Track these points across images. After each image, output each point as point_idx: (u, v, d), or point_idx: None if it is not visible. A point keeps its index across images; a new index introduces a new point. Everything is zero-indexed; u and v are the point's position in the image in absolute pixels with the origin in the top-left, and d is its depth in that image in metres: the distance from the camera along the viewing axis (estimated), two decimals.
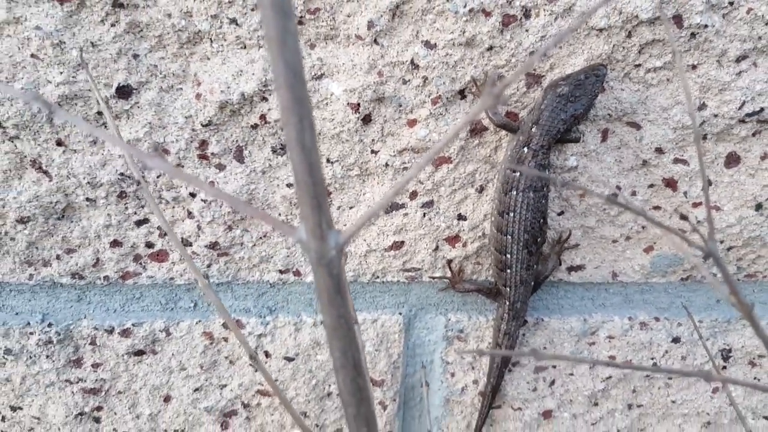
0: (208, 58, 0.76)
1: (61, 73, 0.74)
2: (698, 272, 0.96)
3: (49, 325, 0.89)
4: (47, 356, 0.90)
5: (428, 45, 0.76)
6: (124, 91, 0.76)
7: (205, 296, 0.75)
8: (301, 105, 0.38)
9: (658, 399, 1.03)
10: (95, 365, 0.92)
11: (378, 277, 0.92)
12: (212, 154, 0.81)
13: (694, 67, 0.81)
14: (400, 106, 0.80)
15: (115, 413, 0.96)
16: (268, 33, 0.33)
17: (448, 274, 0.92)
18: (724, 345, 0.99)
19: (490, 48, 0.77)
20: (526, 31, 0.77)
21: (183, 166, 0.81)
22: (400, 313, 0.95)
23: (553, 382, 1.00)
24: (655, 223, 0.47)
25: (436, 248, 0.91)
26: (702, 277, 0.96)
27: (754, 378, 1.02)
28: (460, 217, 0.89)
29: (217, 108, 0.77)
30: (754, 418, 1.06)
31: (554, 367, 0.98)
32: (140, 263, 0.88)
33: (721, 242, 0.92)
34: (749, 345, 1.00)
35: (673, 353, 0.98)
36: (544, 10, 0.76)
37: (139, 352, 0.92)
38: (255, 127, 0.80)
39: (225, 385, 0.95)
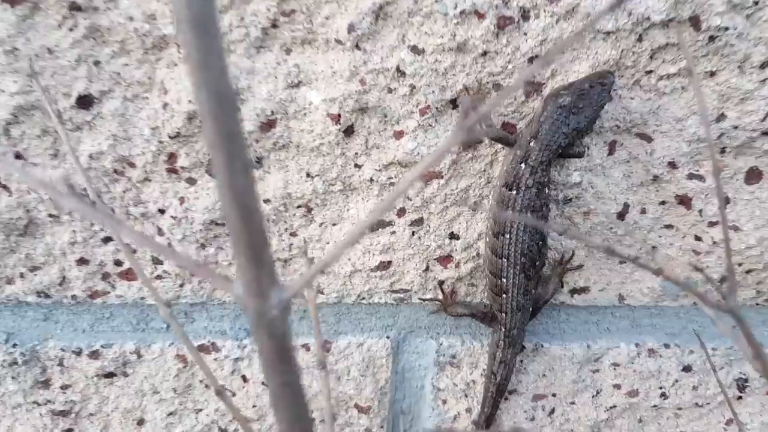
0: (175, 65, 0.70)
1: (16, 82, 0.68)
2: (698, 310, 0.88)
3: (14, 345, 0.84)
4: (12, 377, 0.85)
5: (415, 50, 0.69)
6: (84, 101, 0.70)
7: (172, 322, 0.69)
8: (231, 140, 0.31)
9: (667, 430, 0.95)
10: (64, 387, 0.87)
11: (364, 298, 0.86)
12: (182, 167, 0.75)
13: (712, 74, 0.73)
14: (386, 116, 0.73)
15: None
16: (187, 54, 0.27)
17: (440, 296, 0.85)
18: (740, 374, 0.91)
19: (484, 53, 0.70)
20: (525, 34, 0.69)
21: (150, 180, 0.75)
22: (388, 337, 0.88)
23: (552, 411, 0.93)
24: (671, 278, 0.40)
25: (427, 269, 0.84)
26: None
27: None
28: (453, 236, 0.82)
29: (185, 118, 0.71)
30: None
31: (554, 395, 0.91)
32: (109, 282, 0.82)
33: (740, 265, 0.84)
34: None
35: (683, 383, 0.91)
36: (545, 11, 0.68)
37: (110, 374, 0.87)
38: None
39: (200, 410, 0.90)
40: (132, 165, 0.74)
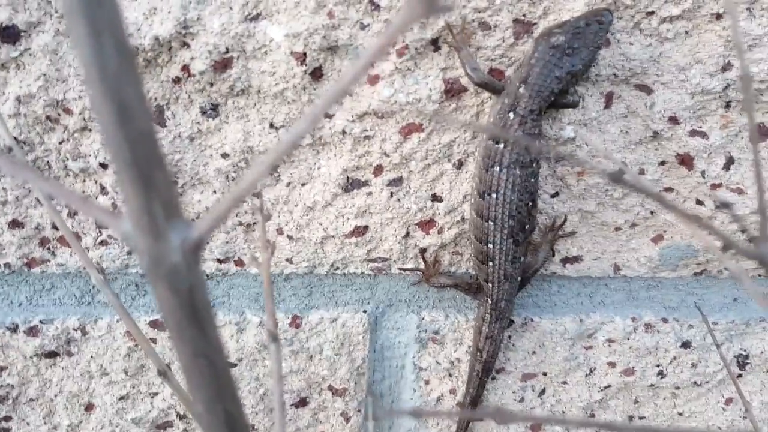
0: None
1: None
2: (698, 282, 0.82)
3: None
4: None
5: None
6: (9, 34, 0.61)
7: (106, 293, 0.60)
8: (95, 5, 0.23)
9: (663, 410, 0.89)
10: (0, 368, 0.78)
11: (338, 268, 0.78)
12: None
13: (717, 16, 0.66)
14: (358, 57, 0.65)
15: (28, 424, 0.81)
16: None
17: (422, 266, 0.78)
18: (740, 350, 0.85)
19: None
20: None
21: (90, 130, 0.66)
22: (365, 311, 0.80)
23: (543, 392, 0.86)
24: (688, 218, 0.33)
25: (407, 235, 0.76)
26: (710, 282, 0.81)
27: None
28: (435, 198, 0.74)
29: None
30: None
31: (545, 374, 0.84)
32: (48, 248, 0.73)
33: (743, 231, 0.78)
34: None
35: (681, 360, 0.84)
36: None
37: (51, 354, 0.77)
38: (177, 81, 0.64)
39: (156, 393, 0.81)
40: (68, 111, 0.64)
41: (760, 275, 0.83)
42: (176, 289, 0.26)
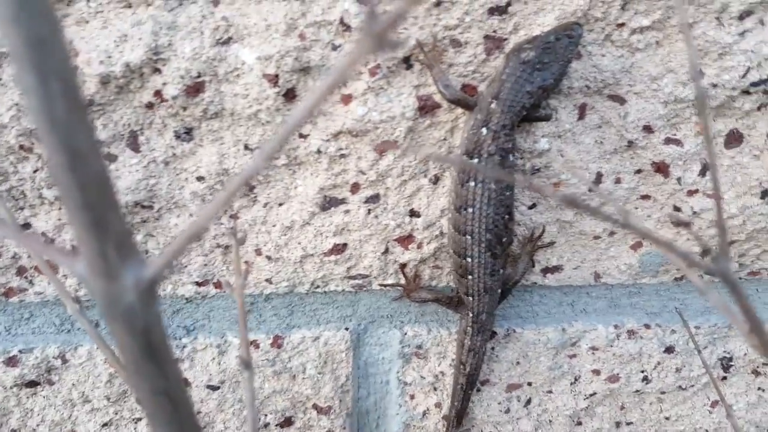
0: (87, 22, 0.61)
1: None
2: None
3: None
4: None
5: (361, 0, 0.61)
6: None
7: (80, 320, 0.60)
8: (39, 46, 0.23)
9: (650, 415, 0.89)
10: None
11: (318, 286, 0.77)
12: (99, 141, 0.65)
13: (689, 26, 0.67)
14: (345, 84, 0.65)
15: None
16: None
17: (402, 281, 0.78)
18: (724, 353, 0.86)
19: (438, 3, 0.62)
20: None
21: None
22: (347, 328, 0.80)
23: (528, 402, 0.86)
24: (652, 237, 0.33)
25: (386, 251, 0.76)
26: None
27: (758, 389, 0.89)
28: (413, 214, 0.74)
29: (98, 83, 0.62)
30: None
31: (529, 384, 0.84)
32: (25, 277, 0.72)
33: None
34: (753, 352, 0.87)
35: (666, 365, 0.85)
36: None
37: (32, 383, 0.77)
38: (150, 106, 0.64)
39: (139, 419, 0.80)
40: (41, 140, 0.64)
41: (740, 278, 0.83)
42: (132, 328, 0.26)
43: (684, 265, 0.37)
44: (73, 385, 0.77)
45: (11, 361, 0.75)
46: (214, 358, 0.77)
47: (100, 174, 0.25)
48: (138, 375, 0.27)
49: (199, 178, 0.68)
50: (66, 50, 0.23)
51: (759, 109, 0.72)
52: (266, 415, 0.82)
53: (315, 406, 0.82)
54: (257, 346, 0.78)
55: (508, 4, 0.64)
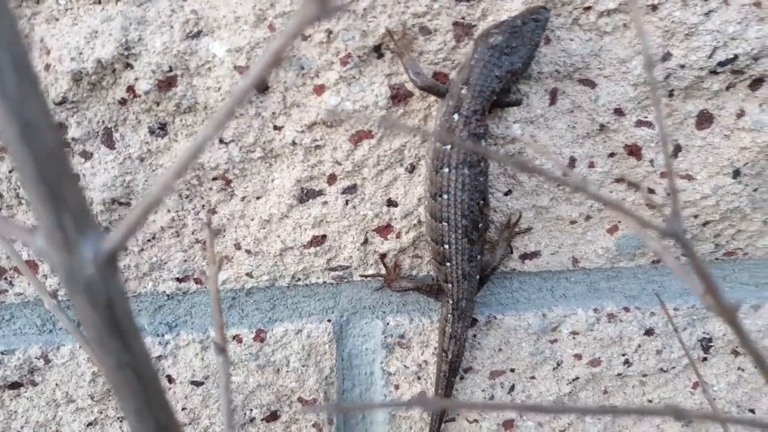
0: (57, 19, 0.61)
1: None
2: (656, 270, 0.83)
3: None
4: None
5: None
6: None
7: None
8: None
9: (633, 399, 0.90)
10: None
11: (299, 279, 0.78)
12: (73, 139, 0.65)
13: (654, 7, 0.68)
14: (302, 68, 0.65)
15: None
16: None
17: (383, 271, 0.78)
18: (703, 334, 0.87)
19: None
20: None
21: None
22: (329, 320, 0.80)
23: (512, 388, 0.86)
24: (610, 203, 0.34)
25: (365, 241, 0.76)
26: (667, 267, 0.83)
27: (738, 368, 0.90)
28: (390, 203, 0.75)
29: (70, 80, 0.62)
30: (739, 411, 0.94)
31: (512, 370, 0.85)
32: (5, 278, 0.72)
33: (696, 217, 0.80)
34: (732, 332, 0.88)
35: (646, 347, 0.85)
36: None
37: (15, 385, 0.76)
38: (123, 102, 0.64)
39: (124, 418, 0.80)
40: None
41: (716, 258, 0.84)
42: (94, 302, 0.26)
43: (637, 226, 0.38)
44: (57, 385, 0.77)
45: None
46: (197, 354, 0.77)
47: (53, 145, 0.25)
48: (102, 349, 0.28)
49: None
50: (15, 22, 0.24)
51: (728, 89, 0.73)
52: (252, 410, 0.82)
53: (300, 399, 0.83)
54: (240, 341, 0.78)
55: None
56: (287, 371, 0.81)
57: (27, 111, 0.25)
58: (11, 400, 0.77)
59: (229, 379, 0.48)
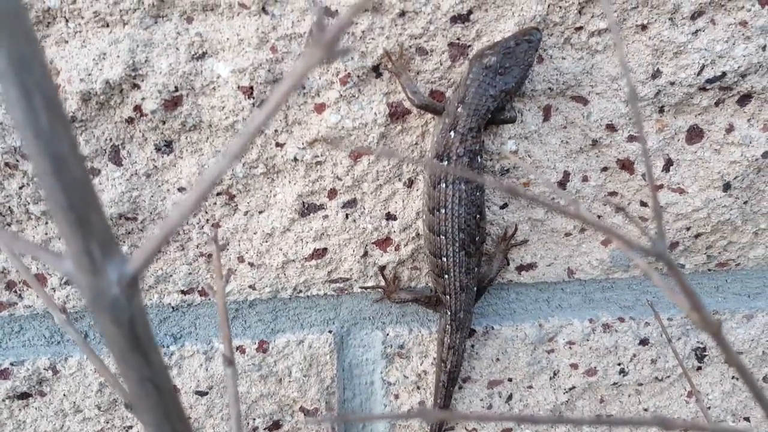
0: (66, 41, 0.63)
1: None
2: (650, 281, 0.85)
3: None
4: None
5: (328, 13, 0.64)
6: None
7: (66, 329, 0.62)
8: (25, 68, 0.25)
9: (629, 407, 0.91)
10: None
11: (301, 291, 0.80)
12: (79, 148, 0.68)
13: (643, 27, 0.70)
14: (303, 88, 0.68)
15: None
16: None
17: (382, 283, 0.80)
18: (698, 343, 0.88)
19: (403, 13, 0.65)
20: None
21: None
22: (330, 331, 0.82)
23: (510, 397, 0.88)
24: (593, 223, 0.36)
25: (365, 254, 0.78)
26: (654, 285, 0.85)
27: (732, 377, 0.91)
28: (389, 217, 0.77)
29: (79, 100, 0.64)
30: (734, 420, 0.96)
31: (510, 380, 0.87)
32: (15, 291, 0.74)
33: (688, 229, 0.81)
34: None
35: (641, 357, 0.87)
36: None
37: (24, 395, 0.78)
38: (130, 121, 0.67)
39: (130, 427, 0.82)
40: (26, 157, 0.66)
41: (709, 269, 0.86)
42: (117, 320, 0.28)
43: (624, 245, 0.40)
44: (65, 395, 0.79)
45: (3, 374, 0.77)
46: (201, 365, 0.79)
47: (81, 178, 0.28)
48: (125, 364, 0.29)
49: (181, 189, 0.71)
50: (46, 67, 0.26)
51: (717, 104, 0.75)
52: (254, 419, 0.84)
53: (302, 409, 0.84)
54: (243, 352, 0.80)
55: (470, 12, 0.67)
56: (289, 381, 0.83)
57: (58, 146, 0.27)
58: (20, 410, 0.79)
59: (237, 391, 0.49)
